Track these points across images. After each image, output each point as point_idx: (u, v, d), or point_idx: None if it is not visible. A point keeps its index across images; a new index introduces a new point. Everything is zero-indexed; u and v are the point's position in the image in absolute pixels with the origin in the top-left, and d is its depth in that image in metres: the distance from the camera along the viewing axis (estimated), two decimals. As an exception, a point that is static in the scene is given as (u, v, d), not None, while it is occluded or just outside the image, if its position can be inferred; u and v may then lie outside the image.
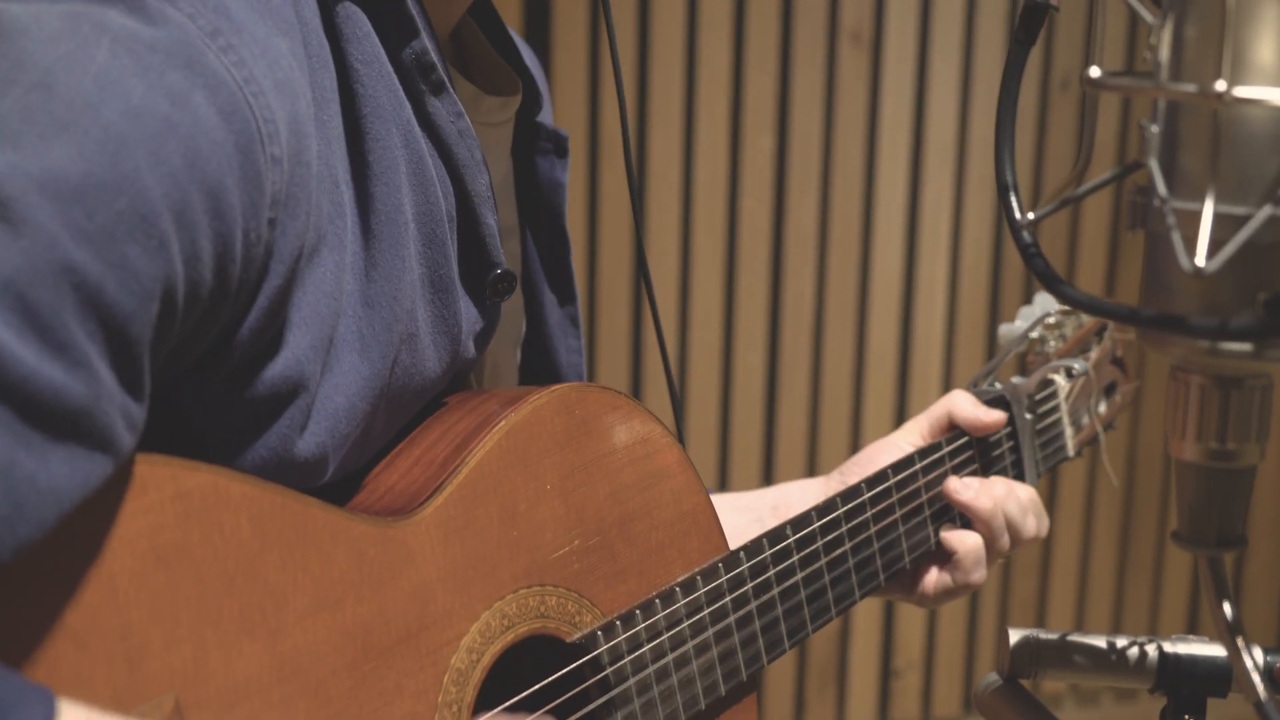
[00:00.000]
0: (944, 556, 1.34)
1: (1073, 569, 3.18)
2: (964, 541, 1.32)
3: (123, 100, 0.74)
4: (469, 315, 1.03)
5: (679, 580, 1.10)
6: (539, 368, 1.22)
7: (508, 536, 0.99)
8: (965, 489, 1.32)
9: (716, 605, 1.12)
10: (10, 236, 0.69)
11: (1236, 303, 0.67)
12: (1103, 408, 1.55)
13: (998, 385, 1.41)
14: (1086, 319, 1.54)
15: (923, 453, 1.32)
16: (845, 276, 2.92)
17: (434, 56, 0.97)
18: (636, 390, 2.83)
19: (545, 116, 1.20)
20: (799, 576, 1.19)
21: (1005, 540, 1.34)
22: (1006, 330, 1.48)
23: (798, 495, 1.35)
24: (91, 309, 0.72)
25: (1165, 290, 0.69)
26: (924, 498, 1.31)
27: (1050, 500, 3.13)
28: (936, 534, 1.33)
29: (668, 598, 1.09)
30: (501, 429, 1.00)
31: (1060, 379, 1.46)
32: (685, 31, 2.72)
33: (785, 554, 1.18)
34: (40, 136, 0.71)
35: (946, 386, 3.03)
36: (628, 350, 2.82)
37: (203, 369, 0.84)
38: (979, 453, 1.37)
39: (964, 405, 1.36)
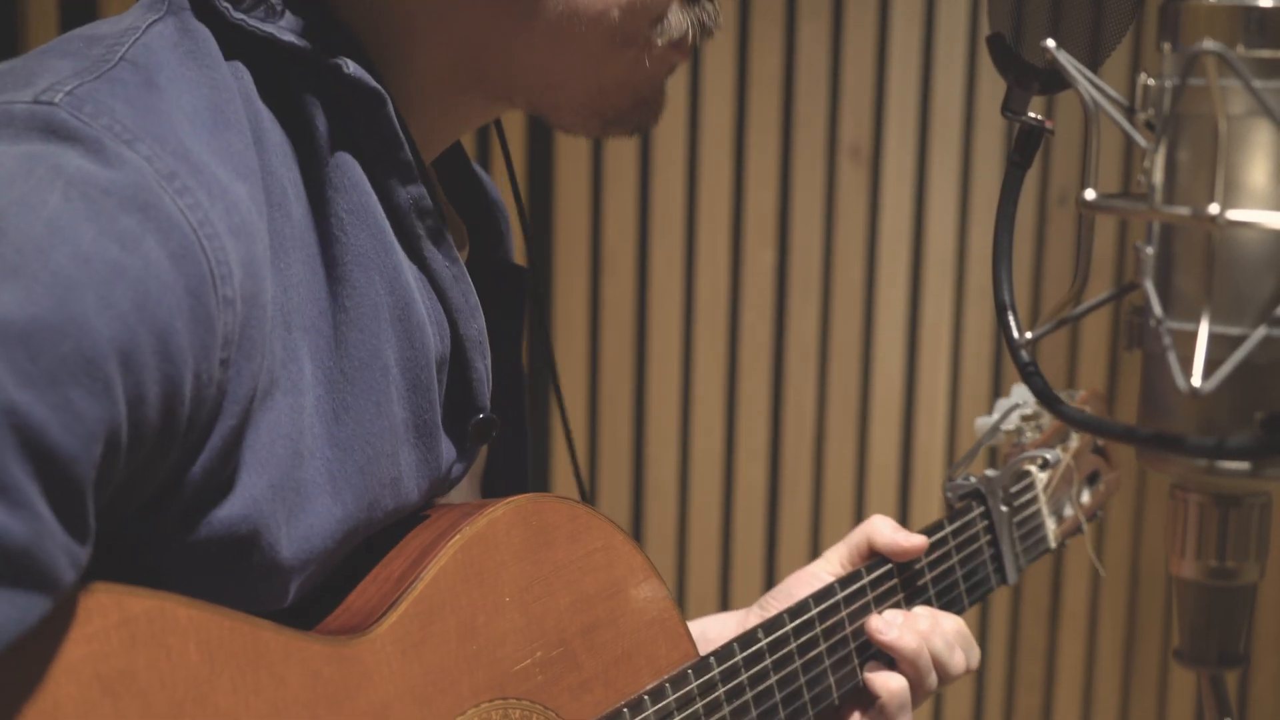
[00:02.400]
0: (869, 699, 1.25)
1: (1077, 684, 3.15)
2: (888, 685, 1.23)
3: (73, 245, 0.75)
4: (448, 455, 1.03)
5: (648, 688, 1.10)
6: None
7: (466, 650, 0.98)
8: (888, 628, 1.24)
9: (688, 712, 1.11)
10: None
11: (1233, 422, 0.67)
12: (1086, 497, 1.52)
13: (972, 479, 1.38)
14: (1079, 395, 1.53)
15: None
16: (846, 389, 2.93)
17: (430, 203, 0.98)
18: (638, 503, 2.83)
19: (509, 253, 1.20)
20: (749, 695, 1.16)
21: (932, 679, 1.25)
22: (981, 423, 1.47)
23: (716, 630, 1.29)
24: (33, 451, 0.72)
25: (1163, 409, 0.70)
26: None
27: (1053, 614, 3.11)
28: (862, 670, 1.25)
29: (636, 706, 1.08)
30: (457, 543, 0.99)
31: (1035, 469, 1.45)
32: (686, 146, 2.75)
33: (734, 672, 1.15)
34: None
35: (948, 499, 3.02)
36: (629, 464, 2.82)
37: (155, 508, 0.84)
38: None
39: (883, 530, 1.28)
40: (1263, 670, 3.22)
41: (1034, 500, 1.44)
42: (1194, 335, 0.66)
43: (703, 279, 2.81)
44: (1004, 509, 1.38)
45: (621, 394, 2.78)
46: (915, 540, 1.28)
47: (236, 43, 0.93)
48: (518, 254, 1.25)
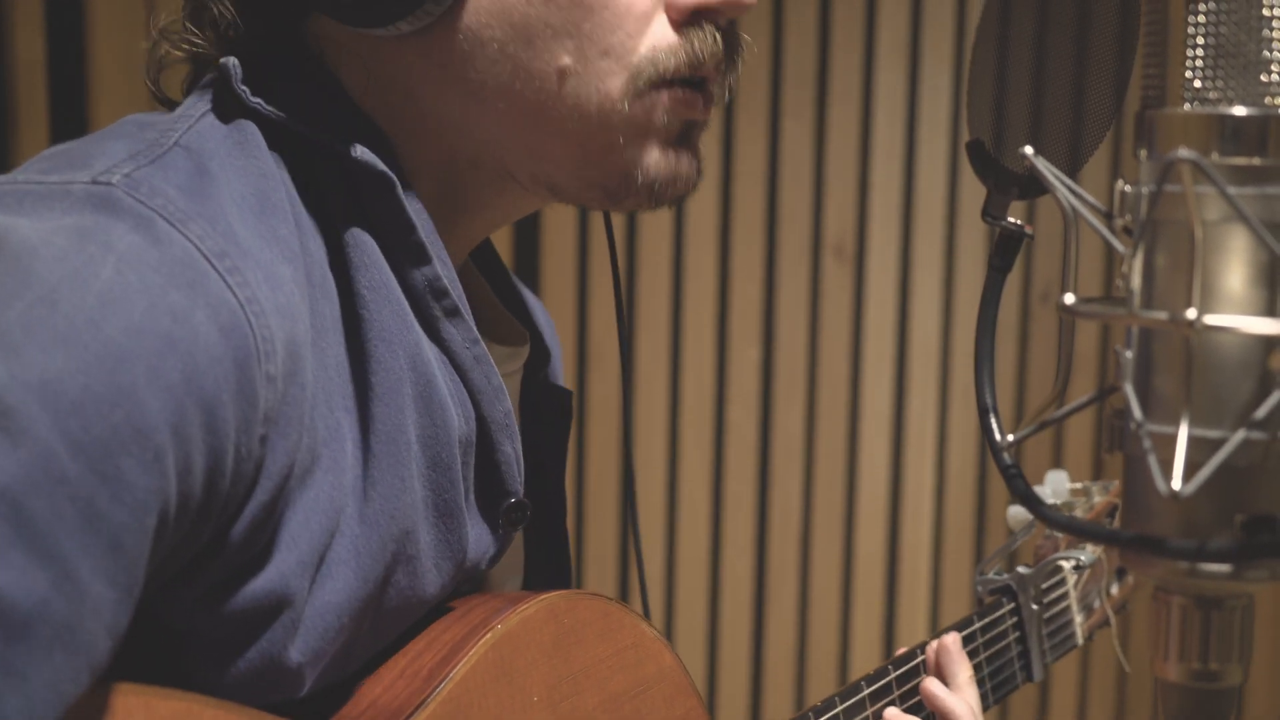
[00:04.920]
0: None
1: (1066, 782, 3.13)
2: None
3: (124, 317, 0.76)
4: (481, 540, 1.03)
5: None
6: None
7: None
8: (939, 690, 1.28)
9: None
10: (9, 446, 0.70)
11: (1214, 524, 0.68)
12: (1114, 589, 1.51)
13: (1004, 574, 1.38)
14: (1113, 486, 1.51)
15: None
16: (832, 486, 2.93)
17: (446, 282, 0.98)
18: (624, 599, 2.82)
19: (555, 375, 1.21)
20: None
21: None
22: (1015, 514, 1.46)
23: None
24: (85, 520, 0.72)
25: (1144, 511, 0.70)
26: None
27: (1041, 707, 3.09)
28: None
29: None
30: (488, 641, 0.99)
31: (1068, 567, 1.44)
32: (672, 245, 2.77)
33: None
34: (42, 349, 0.73)
35: (935, 593, 3.02)
36: (616, 559, 2.81)
37: (183, 581, 0.85)
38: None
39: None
40: (1252, 768, 3.20)
41: (1064, 597, 1.43)
42: (1174, 438, 0.66)
43: (688, 375, 2.81)
44: (1034, 607, 1.38)
45: (608, 490, 2.78)
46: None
47: (270, 129, 0.95)
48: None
